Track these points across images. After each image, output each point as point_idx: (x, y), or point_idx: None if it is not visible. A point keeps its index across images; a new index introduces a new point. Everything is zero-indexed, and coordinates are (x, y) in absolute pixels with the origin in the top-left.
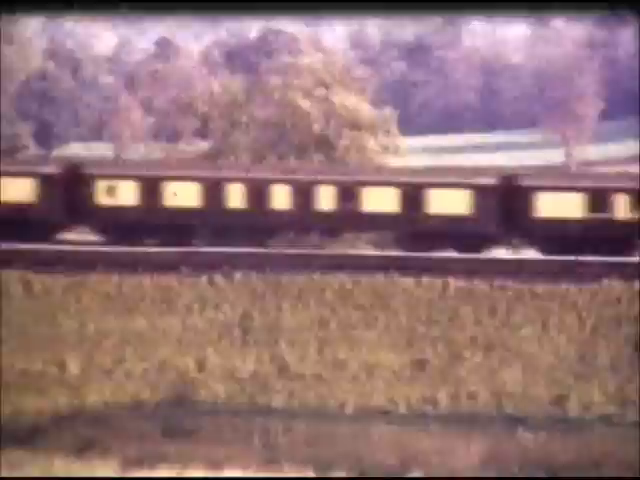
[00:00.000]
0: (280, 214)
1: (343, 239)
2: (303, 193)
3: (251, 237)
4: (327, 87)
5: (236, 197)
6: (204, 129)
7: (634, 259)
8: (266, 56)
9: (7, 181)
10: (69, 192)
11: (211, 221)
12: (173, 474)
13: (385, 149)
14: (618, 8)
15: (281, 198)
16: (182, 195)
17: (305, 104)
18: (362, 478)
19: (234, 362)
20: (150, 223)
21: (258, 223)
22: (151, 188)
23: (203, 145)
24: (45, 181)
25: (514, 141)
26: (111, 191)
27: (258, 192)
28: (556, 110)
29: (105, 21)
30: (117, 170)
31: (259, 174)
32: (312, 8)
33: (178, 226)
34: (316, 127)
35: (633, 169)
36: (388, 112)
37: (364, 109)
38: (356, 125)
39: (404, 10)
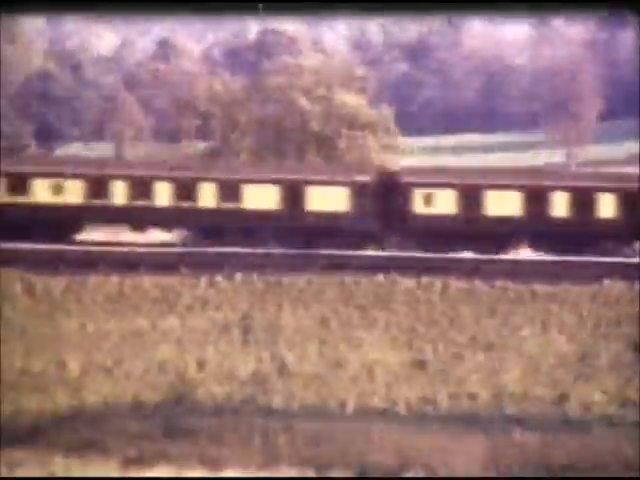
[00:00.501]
0: (605, 223)
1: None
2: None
3: (573, 246)
4: (327, 87)
5: (560, 206)
6: (205, 129)
7: (634, 260)
8: (266, 56)
9: (320, 190)
10: (384, 201)
11: (533, 230)
12: (173, 474)
13: (385, 148)
14: (618, 8)
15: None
16: (501, 203)
17: (305, 104)
18: (363, 478)
19: (234, 362)
20: (468, 232)
21: (582, 232)
22: (471, 196)
23: (204, 145)
24: (359, 190)
25: (515, 141)
26: (428, 200)
27: (584, 200)
28: (557, 110)
29: (106, 21)
30: (434, 178)
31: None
32: (313, 8)
33: (497, 235)
34: (316, 126)
35: (633, 169)
36: (386, 110)
37: (364, 108)
38: (356, 124)
39: (404, 10)
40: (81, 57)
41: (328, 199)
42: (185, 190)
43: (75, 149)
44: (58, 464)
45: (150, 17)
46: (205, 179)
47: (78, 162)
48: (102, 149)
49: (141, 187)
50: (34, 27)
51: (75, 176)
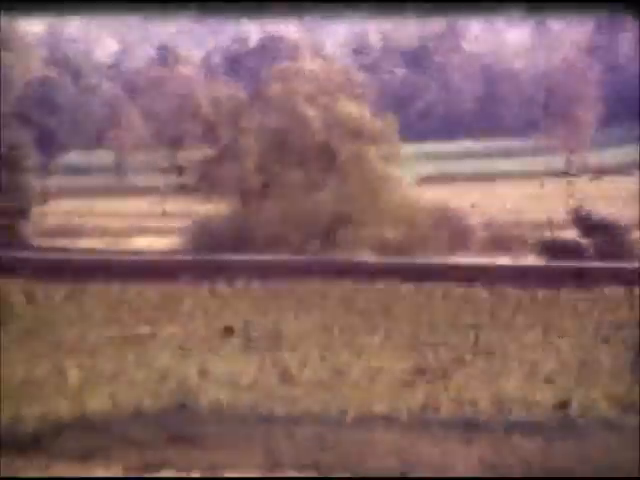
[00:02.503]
0: None
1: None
2: None
3: None
4: (329, 94)
5: None
6: (205, 137)
7: (634, 265)
8: (267, 63)
9: None
10: None
11: None
12: None
13: (386, 157)
14: (617, 10)
15: None
16: None
17: (307, 112)
18: (363, 478)
19: (236, 369)
20: None
21: None
22: None
23: (204, 153)
24: None
25: (514, 147)
26: None
27: None
28: (556, 116)
29: (106, 27)
30: None
31: None
32: (312, 9)
33: None
34: (318, 135)
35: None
36: (389, 119)
37: (366, 117)
38: (358, 133)
39: (402, 13)
40: (81, 64)
41: None
42: None
43: (75, 157)
44: (60, 472)
45: (151, 23)
46: None
47: None
48: (102, 157)
49: None
50: (34, 33)
51: None
